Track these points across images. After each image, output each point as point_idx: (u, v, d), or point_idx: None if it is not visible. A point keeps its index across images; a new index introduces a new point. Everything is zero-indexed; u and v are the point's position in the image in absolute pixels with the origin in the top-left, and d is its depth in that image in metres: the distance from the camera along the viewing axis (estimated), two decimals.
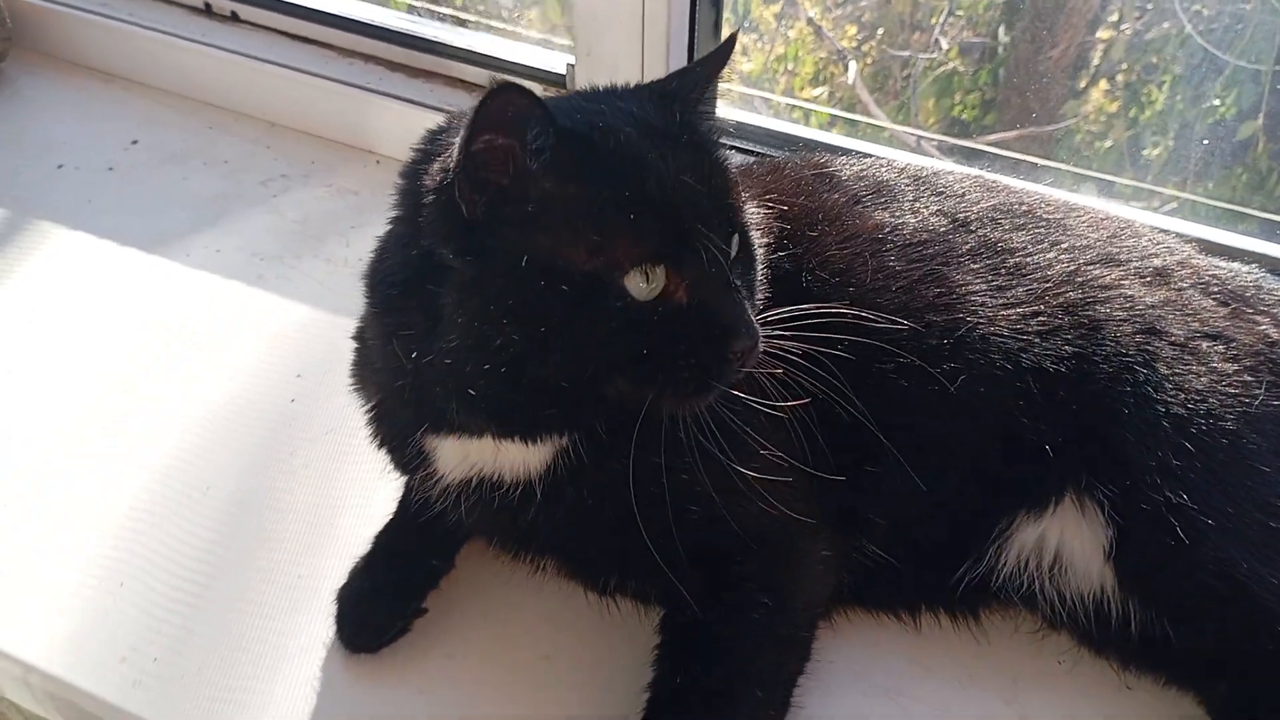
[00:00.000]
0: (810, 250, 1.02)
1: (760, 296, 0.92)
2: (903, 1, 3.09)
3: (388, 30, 1.69)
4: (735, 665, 0.93)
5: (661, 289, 0.80)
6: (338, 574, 1.08)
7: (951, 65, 3.06)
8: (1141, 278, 1.07)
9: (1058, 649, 1.06)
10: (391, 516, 1.12)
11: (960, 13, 3.02)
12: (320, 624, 1.06)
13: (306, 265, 1.47)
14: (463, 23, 1.73)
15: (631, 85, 0.93)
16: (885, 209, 1.09)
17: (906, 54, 3.27)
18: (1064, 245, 1.08)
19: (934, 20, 3.01)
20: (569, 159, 0.77)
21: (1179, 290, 1.07)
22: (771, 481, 0.94)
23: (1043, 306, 1.02)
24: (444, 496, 0.97)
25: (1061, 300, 1.03)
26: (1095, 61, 2.70)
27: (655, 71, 1.39)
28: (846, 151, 1.25)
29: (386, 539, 1.11)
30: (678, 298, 0.80)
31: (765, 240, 1.02)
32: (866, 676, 1.04)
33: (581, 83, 1.47)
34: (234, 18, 1.82)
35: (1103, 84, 2.66)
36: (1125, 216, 1.19)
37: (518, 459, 0.92)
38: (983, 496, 1.01)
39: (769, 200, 1.07)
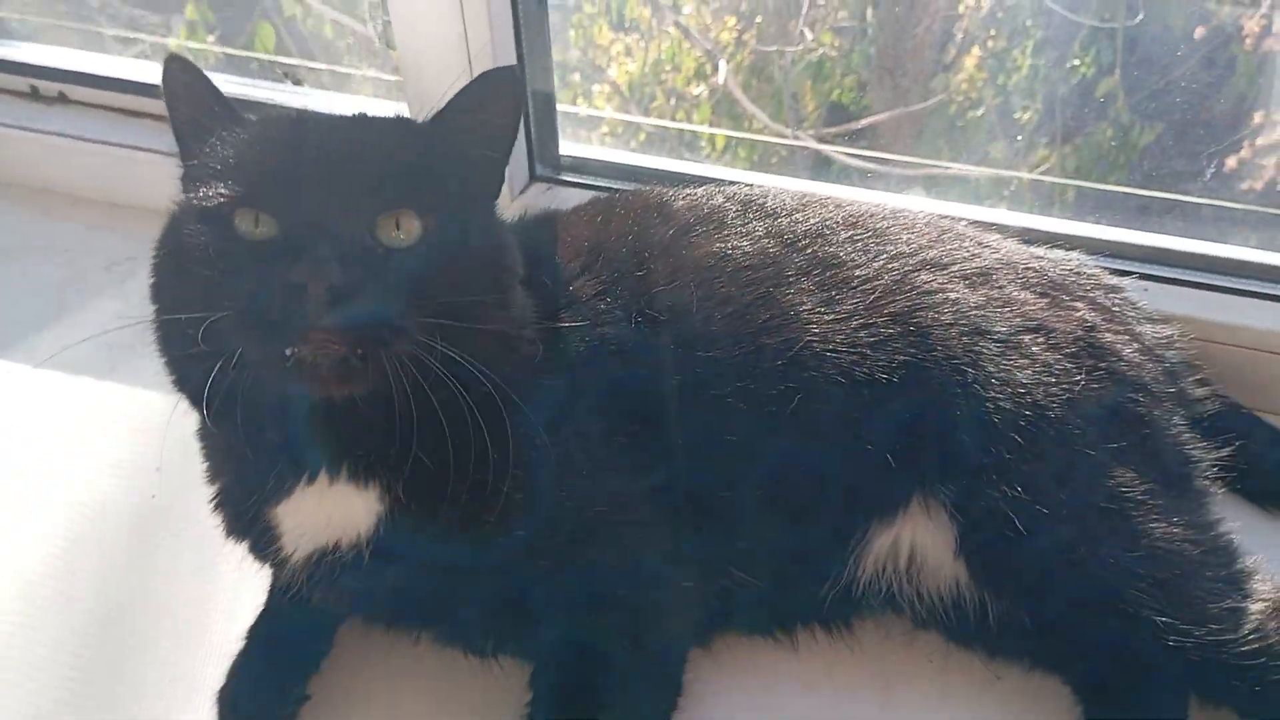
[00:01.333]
0: (637, 291, 1.06)
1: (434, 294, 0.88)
2: None
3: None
4: (600, 712, 0.96)
5: (271, 233, 0.84)
6: (213, 673, 1.09)
7: (821, 51, 3.15)
8: (965, 279, 1.13)
9: (928, 648, 1.11)
10: (262, 607, 1.12)
11: (821, 3, 3.10)
12: None
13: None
14: (298, 81, 1.73)
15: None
16: (715, 236, 1.14)
17: (773, 48, 3.36)
18: (889, 254, 1.14)
19: (800, 12, 3.09)
20: (227, 138, 0.90)
21: (1000, 288, 1.13)
22: (617, 522, 0.97)
23: (872, 318, 1.07)
24: (295, 576, 0.99)
25: (889, 310, 1.08)
26: (959, 35, 2.81)
27: None
28: (699, 180, 1.28)
29: (260, 630, 1.12)
30: (277, 240, 0.84)
31: (594, 286, 1.05)
32: (747, 701, 1.08)
33: None
34: (62, 98, 1.80)
35: (971, 54, 2.77)
36: (950, 217, 1.25)
37: (346, 519, 0.94)
38: (835, 510, 1.06)
39: (598, 244, 1.11)
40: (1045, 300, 1.14)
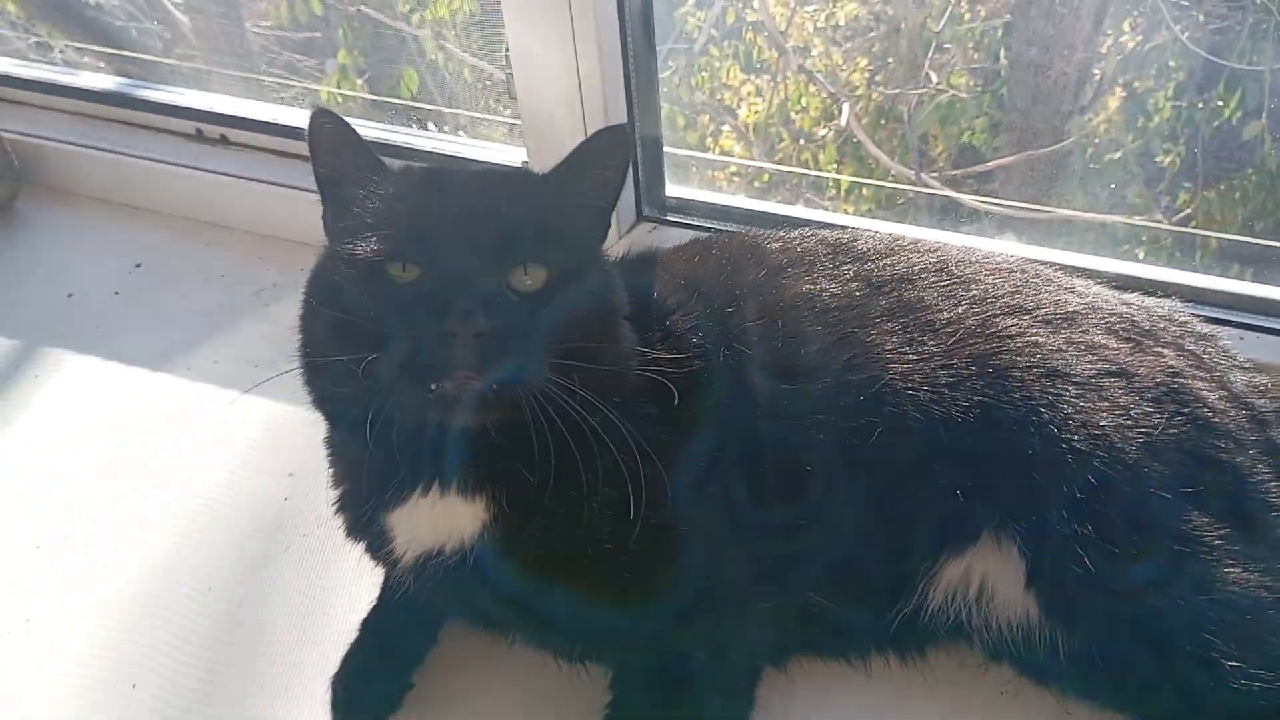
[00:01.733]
0: (728, 327, 1.14)
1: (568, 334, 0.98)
2: (904, 35, 3.18)
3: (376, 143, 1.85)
4: (674, 717, 1.04)
5: (417, 279, 0.93)
6: (330, 661, 1.20)
7: (951, 94, 3.16)
8: (1047, 324, 1.17)
9: (1000, 681, 1.15)
10: (376, 602, 1.24)
11: (949, 46, 3.13)
12: (316, 710, 1.18)
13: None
14: (425, 125, 1.89)
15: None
16: (805, 278, 1.21)
17: (898, 90, 3.39)
18: (973, 298, 1.19)
19: (928, 55, 3.12)
20: (371, 188, 0.99)
21: (1083, 331, 1.17)
22: (701, 541, 1.05)
23: (951, 359, 1.13)
24: (405, 576, 1.09)
25: (969, 352, 1.13)
26: (1097, 76, 2.78)
27: None
28: (798, 222, 1.36)
29: (372, 623, 1.23)
30: (425, 287, 0.93)
31: (688, 321, 1.14)
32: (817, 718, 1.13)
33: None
34: (223, 140, 2.00)
35: (1110, 96, 2.74)
36: (1037, 263, 1.29)
37: (453, 526, 1.04)
38: (907, 540, 1.11)
39: (693, 281, 1.20)
40: (1130, 345, 1.17)
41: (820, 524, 1.11)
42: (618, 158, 1.05)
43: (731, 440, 1.10)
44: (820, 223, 1.38)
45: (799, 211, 1.64)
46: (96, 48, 2.65)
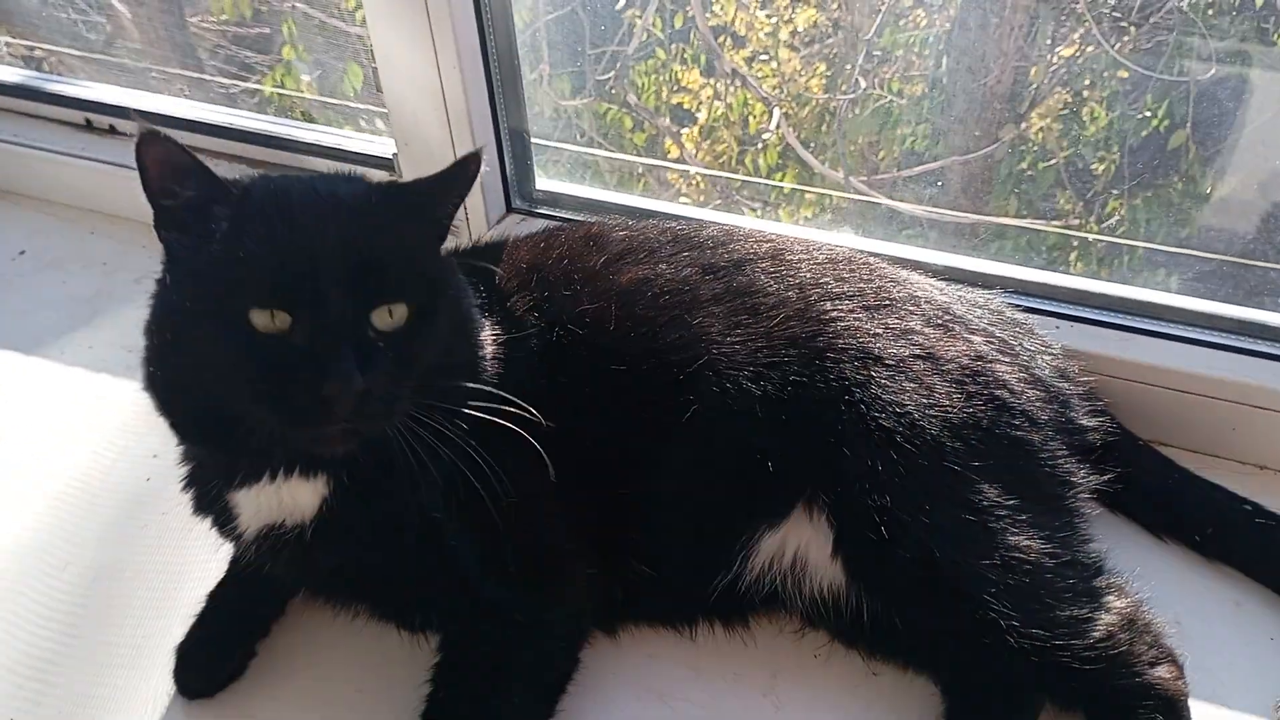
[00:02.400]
0: (564, 307, 1.21)
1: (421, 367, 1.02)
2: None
3: (248, 132, 1.91)
4: (492, 675, 1.11)
5: (284, 328, 0.94)
6: (177, 631, 1.25)
7: (889, 99, 3.24)
8: (867, 309, 1.26)
9: (815, 645, 1.23)
10: (223, 575, 1.29)
11: (878, 51, 3.20)
12: (160, 677, 1.23)
13: None
14: (312, 119, 1.94)
15: (384, 184, 1.09)
16: (642, 265, 1.28)
17: (826, 96, 3.47)
18: (799, 284, 1.26)
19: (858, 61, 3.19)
20: (216, 199, 0.96)
21: (899, 318, 1.25)
22: (524, 512, 1.12)
23: (772, 341, 1.20)
24: (248, 550, 1.15)
25: (789, 334, 1.21)
26: (1032, 86, 2.87)
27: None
28: (666, 215, 1.47)
29: (218, 595, 1.28)
30: (294, 339, 0.93)
31: (527, 302, 1.20)
32: (641, 682, 1.20)
33: (406, 166, 1.68)
34: (111, 130, 2.03)
35: (1043, 105, 2.84)
36: (866, 254, 1.37)
37: (294, 503, 1.09)
38: (727, 511, 1.19)
39: (535, 266, 1.26)
40: (940, 330, 1.25)
41: (640, 496, 1.17)
42: (470, 177, 1.06)
43: (558, 415, 1.16)
44: (685, 216, 1.45)
45: (668, 206, 1.72)
46: (40, 44, 2.66)
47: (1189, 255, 1.93)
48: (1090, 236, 2.42)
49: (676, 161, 3.11)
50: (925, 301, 1.28)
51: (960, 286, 1.36)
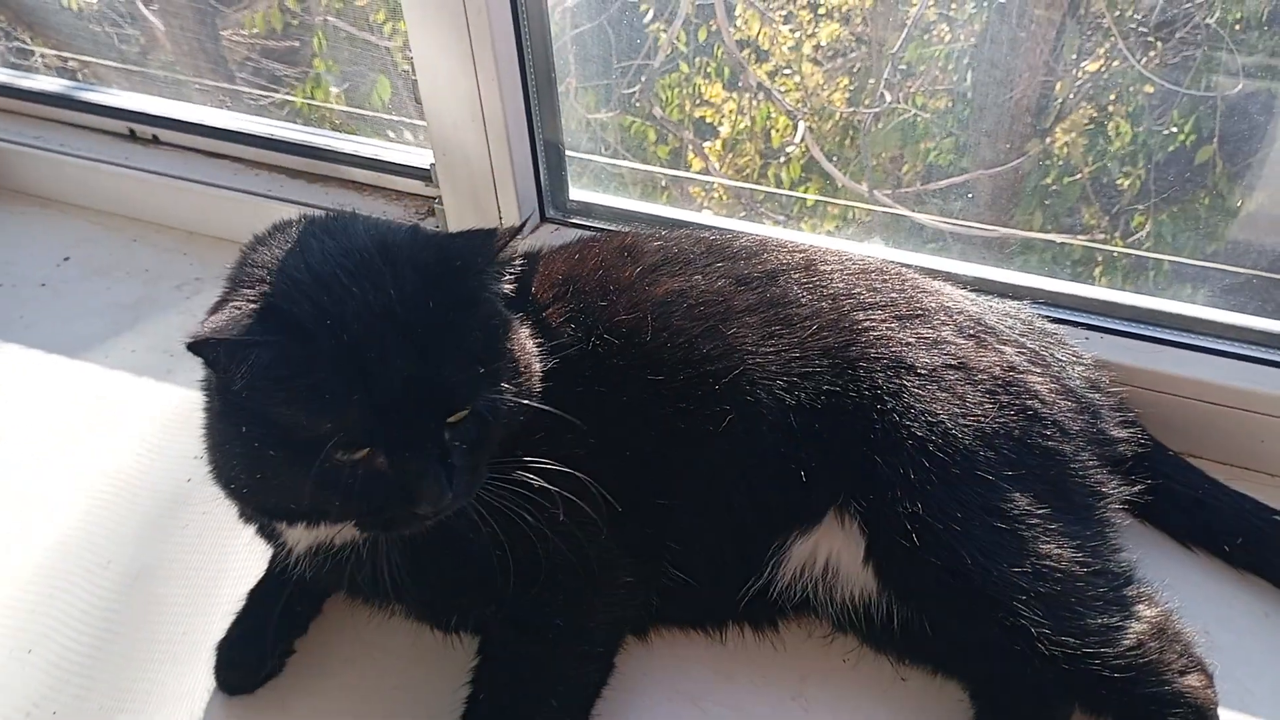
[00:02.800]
0: (599, 318, 1.22)
1: (498, 438, 1.05)
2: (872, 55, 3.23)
3: (286, 142, 1.94)
4: (531, 679, 1.12)
5: (365, 455, 0.95)
6: (217, 627, 1.27)
7: (913, 114, 3.25)
8: (899, 319, 1.27)
9: (844, 649, 1.23)
10: (263, 575, 1.31)
11: (903, 66, 3.21)
12: (200, 673, 1.25)
13: None
14: (351, 131, 1.98)
15: (422, 235, 1.06)
16: (677, 276, 1.30)
17: (852, 110, 3.48)
18: (831, 295, 1.28)
19: (883, 75, 3.20)
20: (282, 364, 0.91)
21: (931, 328, 1.26)
22: (565, 524, 1.13)
23: (806, 351, 1.22)
24: (296, 562, 1.17)
25: (823, 344, 1.22)
26: (1057, 101, 2.87)
27: (501, 163, 1.62)
28: (695, 226, 1.48)
29: (258, 594, 1.30)
30: (379, 464, 0.95)
31: (563, 314, 1.22)
32: (673, 686, 1.21)
33: (443, 175, 1.70)
34: (155, 140, 2.07)
35: (1068, 120, 2.84)
36: (902, 264, 1.38)
37: (346, 529, 1.10)
38: (760, 519, 1.20)
39: (571, 277, 1.28)
40: (973, 341, 1.26)
41: (677, 504, 1.19)
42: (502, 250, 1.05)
43: (596, 425, 1.18)
44: (717, 227, 1.46)
45: (698, 216, 1.73)
46: (77, 55, 2.72)
47: (1217, 269, 1.93)
48: (1115, 250, 2.41)
49: (701, 174, 3.12)
50: (957, 312, 1.28)
51: (991, 297, 1.36)
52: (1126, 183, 2.58)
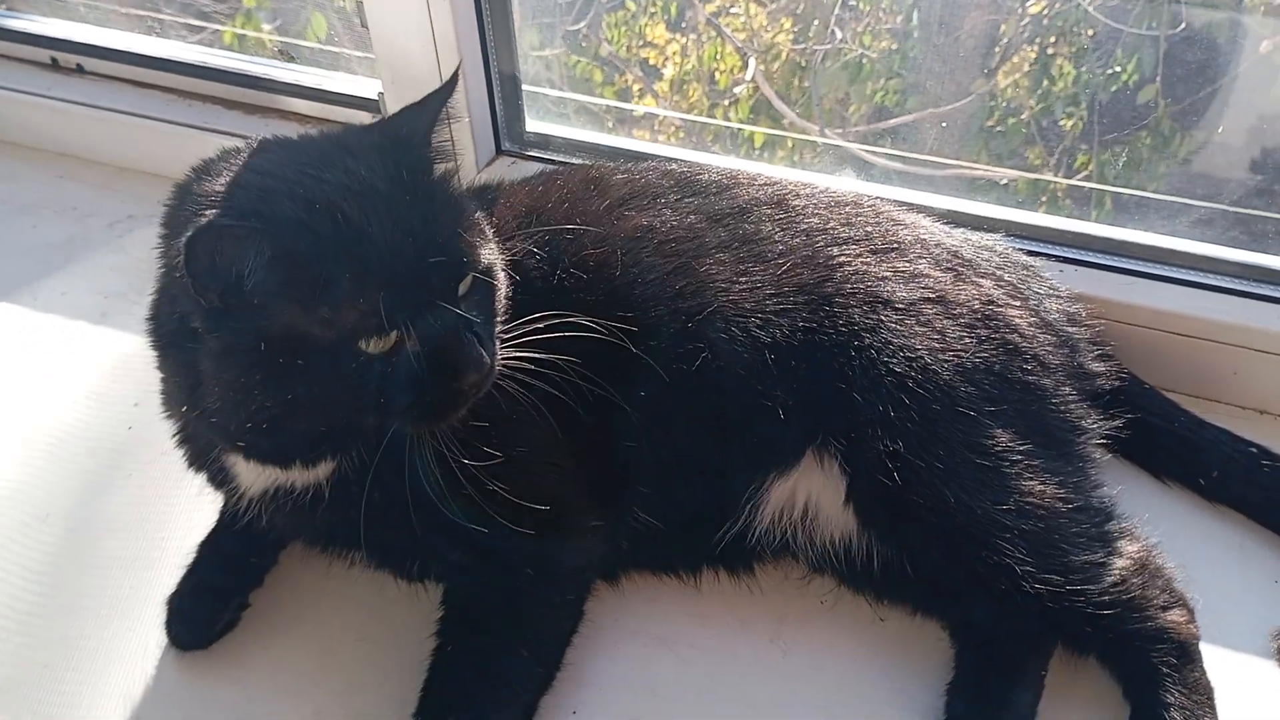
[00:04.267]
0: (565, 251, 1.15)
1: (502, 310, 1.01)
2: None
3: (222, 71, 1.82)
4: (501, 629, 1.07)
5: (394, 343, 0.89)
6: (166, 581, 1.20)
7: (860, 53, 3.19)
8: (875, 253, 1.22)
9: (821, 591, 1.20)
10: (214, 525, 1.23)
11: (852, 3, 3.14)
12: (150, 628, 1.18)
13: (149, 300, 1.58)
14: (290, 58, 1.86)
15: (363, 127, 1.02)
16: (646, 210, 1.23)
17: (803, 46, 3.41)
18: (805, 230, 1.22)
19: (819, 19, 3.13)
20: (288, 257, 0.84)
21: (908, 261, 1.21)
22: (530, 464, 1.07)
23: (780, 287, 1.16)
24: (250, 506, 1.09)
25: (798, 280, 1.17)
26: (1004, 38, 2.83)
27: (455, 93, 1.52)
28: (657, 159, 1.41)
29: (210, 545, 1.23)
30: (410, 347, 0.89)
31: (525, 244, 1.15)
32: (646, 630, 1.17)
33: (393, 105, 1.60)
34: (79, 70, 1.93)
35: (1014, 60, 2.80)
36: (875, 198, 1.33)
37: (308, 470, 1.03)
38: (735, 461, 1.15)
39: (534, 209, 1.20)
40: (950, 274, 1.22)
41: (647, 446, 1.13)
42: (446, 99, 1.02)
43: (561, 363, 1.11)
44: (676, 159, 1.39)
45: (659, 148, 1.66)
46: None
47: (1180, 203, 1.91)
48: (1091, 185, 2.38)
49: (658, 111, 3.04)
50: (934, 245, 1.24)
51: (965, 230, 1.32)
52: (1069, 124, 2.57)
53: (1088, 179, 2.52)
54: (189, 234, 0.81)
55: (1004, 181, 2.47)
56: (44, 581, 1.24)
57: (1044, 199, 2.42)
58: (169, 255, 0.94)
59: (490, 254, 0.98)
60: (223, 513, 1.23)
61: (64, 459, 1.38)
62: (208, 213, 0.86)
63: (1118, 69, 2.36)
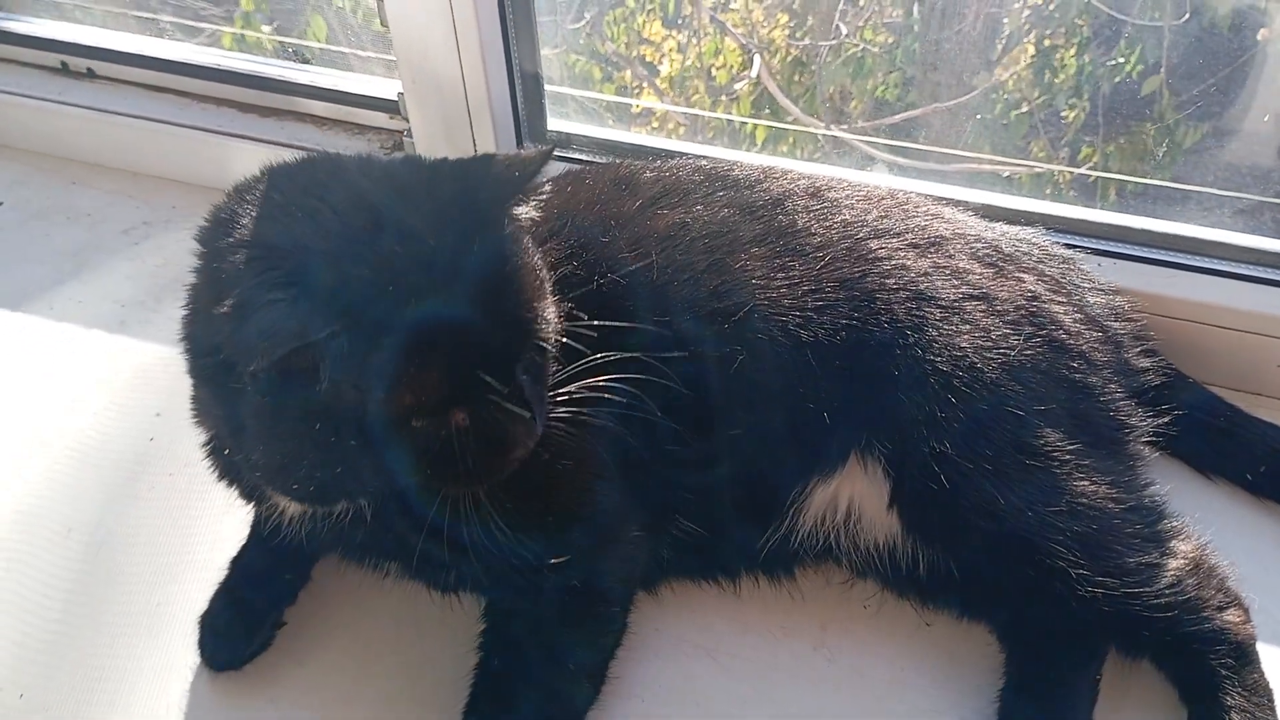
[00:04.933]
0: (602, 256, 1.12)
1: (551, 364, 0.95)
2: None
3: (236, 74, 1.78)
4: (546, 644, 1.04)
5: (444, 417, 0.84)
6: (193, 597, 1.17)
7: (863, 47, 3.16)
8: (915, 247, 1.18)
9: (864, 596, 1.16)
10: (245, 540, 1.20)
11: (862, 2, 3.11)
12: (177, 645, 1.15)
13: (167, 308, 1.55)
14: (306, 60, 1.82)
15: (435, 170, 0.93)
16: (678, 208, 1.19)
17: (806, 42, 3.38)
18: (842, 223, 1.18)
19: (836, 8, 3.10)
20: (359, 351, 0.79)
21: (949, 256, 1.18)
22: (575, 478, 1.03)
23: (820, 283, 1.12)
24: (289, 524, 1.05)
25: (837, 275, 1.13)
26: (1005, 32, 2.81)
27: (477, 92, 1.49)
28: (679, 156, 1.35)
29: (241, 561, 1.19)
30: (459, 421, 0.84)
31: (559, 252, 1.10)
32: (687, 639, 1.14)
33: (413, 106, 1.56)
34: (90, 74, 1.90)
35: (1016, 52, 2.77)
36: (909, 191, 1.29)
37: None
38: (778, 465, 1.12)
39: (565, 213, 1.17)
40: (992, 270, 1.18)
41: (689, 452, 1.10)
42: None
43: (602, 371, 1.07)
44: (700, 156, 1.35)
45: (680, 145, 1.63)
46: None
47: (1212, 195, 1.88)
48: (1110, 176, 2.35)
49: (674, 108, 3.01)
50: (973, 239, 1.21)
51: (1000, 223, 1.28)
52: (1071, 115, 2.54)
53: (1094, 168, 2.48)
54: (253, 368, 0.78)
55: (1006, 174, 2.45)
56: (67, 599, 1.21)
57: (1072, 190, 2.38)
58: (213, 297, 0.85)
59: (552, 321, 0.91)
60: (254, 527, 1.19)
61: (85, 472, 1.34)
62: (277, 295, 0.78)
63: (1120, 60, 2.33)
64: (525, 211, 0.93)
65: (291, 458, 0.86)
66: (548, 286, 0.94)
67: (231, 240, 0.85)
